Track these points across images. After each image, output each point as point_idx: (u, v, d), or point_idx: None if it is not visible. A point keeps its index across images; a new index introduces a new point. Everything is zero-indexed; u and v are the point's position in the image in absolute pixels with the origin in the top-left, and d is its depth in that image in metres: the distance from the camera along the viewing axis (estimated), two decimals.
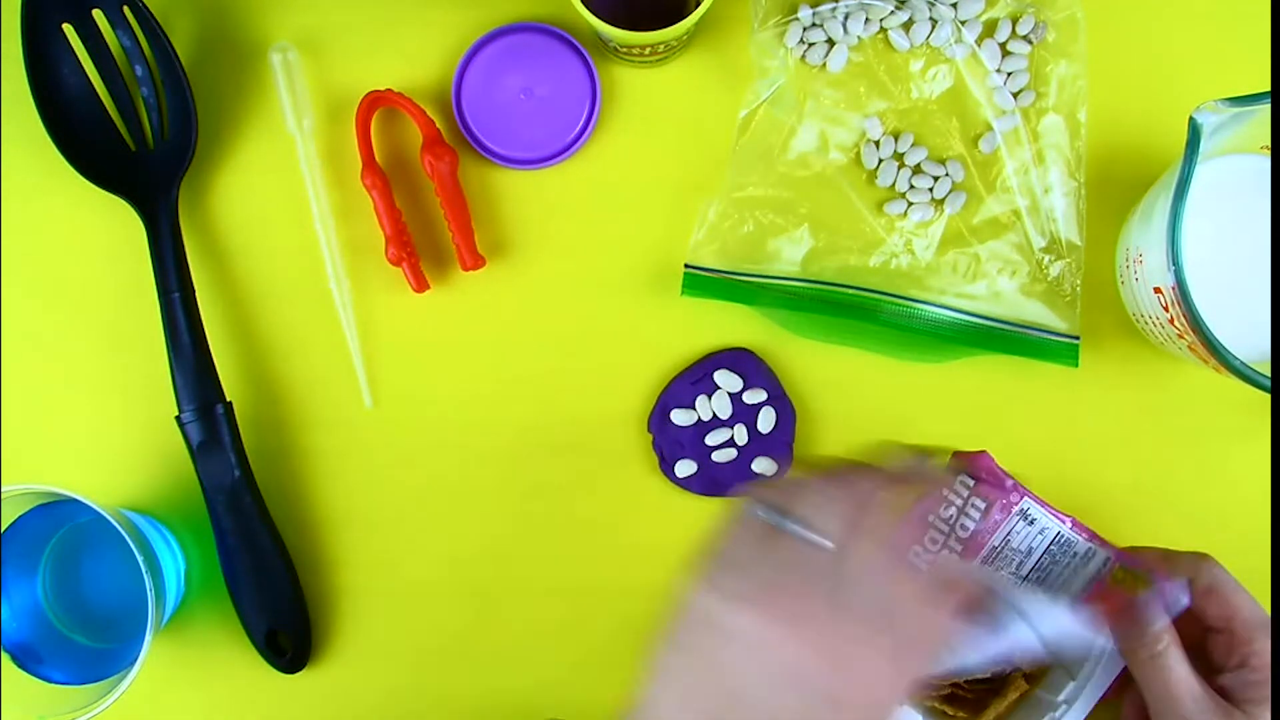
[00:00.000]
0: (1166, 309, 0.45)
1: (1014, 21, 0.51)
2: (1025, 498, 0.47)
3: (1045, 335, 0.51)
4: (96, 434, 0.52)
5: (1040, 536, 0.47)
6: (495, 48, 0.51)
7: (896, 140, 0.52)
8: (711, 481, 0.51)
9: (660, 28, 0.46)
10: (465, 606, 0.52)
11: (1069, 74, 0.51)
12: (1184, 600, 0.42)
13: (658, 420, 0.51)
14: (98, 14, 0.50)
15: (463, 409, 0.52)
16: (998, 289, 0.51)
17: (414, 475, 0.52)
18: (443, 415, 0.52)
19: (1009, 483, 0.47)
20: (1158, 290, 0.45)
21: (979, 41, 0.51)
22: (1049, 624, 0.41)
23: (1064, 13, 0.51)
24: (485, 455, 0.52)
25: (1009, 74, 0.52)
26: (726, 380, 0.51)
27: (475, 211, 0.52)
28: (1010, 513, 0.47)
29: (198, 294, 0.51)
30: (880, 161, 0.52)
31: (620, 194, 0.52)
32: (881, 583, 0.35)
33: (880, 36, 0.52)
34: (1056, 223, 0.51)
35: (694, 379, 0.51)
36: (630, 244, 0.52)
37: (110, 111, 0.51)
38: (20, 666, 0.49)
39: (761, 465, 0.51)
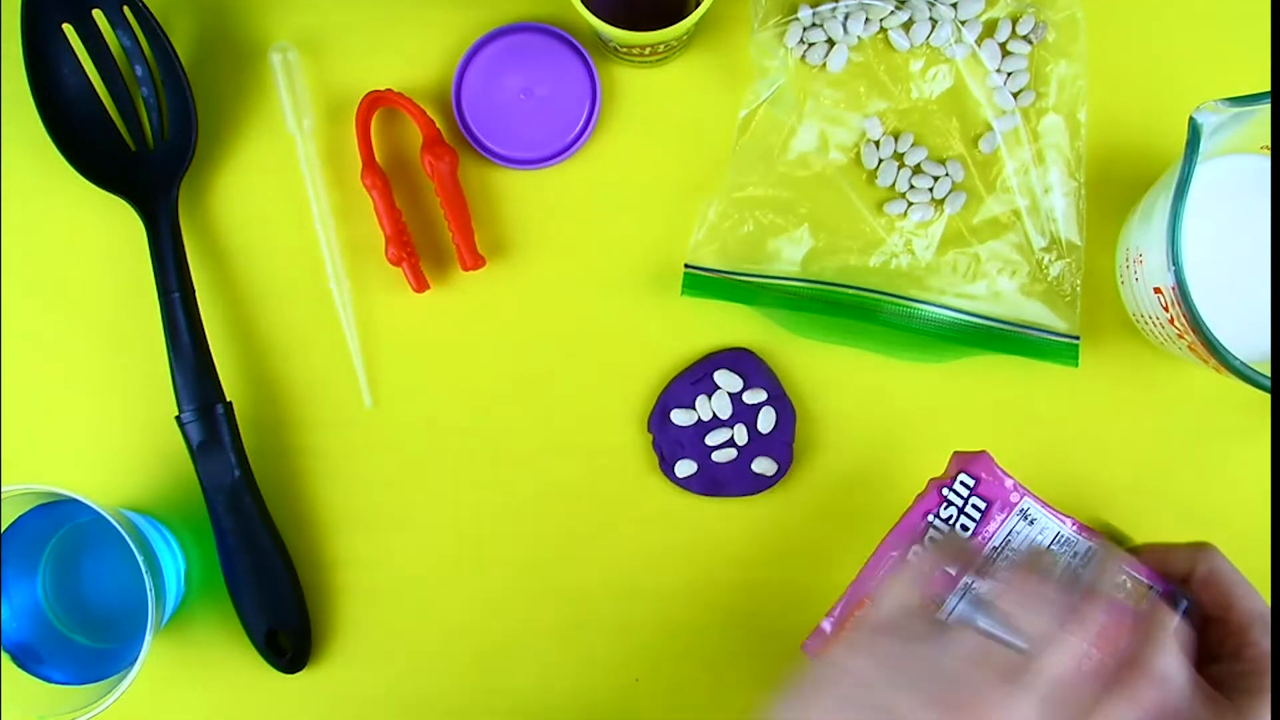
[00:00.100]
0: (1166, 309, 0.45)
1: (1014, 21, 0.51)
2: (1025, 497, 0.47)
3: (1045, 335, 0.51)
4: (96, 434, 0.52)
5: (1041, 537, 0.47)
6: (495, 48, 0.51)
7: (896, 140, 0.52)
8: (711, 481, 0.51)
9: (660, 28, 0.46)
10: (465, 606, 0.52)
11: (1069, 74, 0.51)
12: (1177, 618, 0.42)
13: (658, 420, 0.51)
14: (98, 14, 0.50)
15: (463, 409, 0.52)
16: (998, 289, 0.51)
17: (414, 475, 0.52)
18: (443, 415, 0.52)
19: (1009, 483, 0.47)
20: (1158, 290, 0.45)
21: (979, 41, 0.51)
22: None
23: (1064, 13, 0.51)
24: (485, 455, 0.52)
25: (1009, 74, 0.52)
26: (726, 380, 0.51)
27: (475, 211, 0.52)
28: (1010, 513, 0.47)
29: (198, 294, 0.51)
30: (880, 161, 0.52)
31: (620, 194, 0.52)
32: (1069, 699, 0.34)
33: (880, 36, 0.52)
34: (1056, 223, 0.51)
35: (694, 379, 0.51)
36: (630, 244, 0.52)
37: (110, 111, 0.51)
38: (20, 666, 0.49)
39: (761, 465, 0.51)
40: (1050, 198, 0.51)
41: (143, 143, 0.51)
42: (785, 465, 0.51)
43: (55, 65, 0.50)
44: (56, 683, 0.49)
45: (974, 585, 0.47)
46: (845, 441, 0.52)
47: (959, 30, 0.51)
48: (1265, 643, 0.38)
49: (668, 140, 0.52)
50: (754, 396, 0.51)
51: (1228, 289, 0.47)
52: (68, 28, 0.50)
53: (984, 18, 0.51)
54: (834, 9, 0.51)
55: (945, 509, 0.47)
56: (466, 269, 0.51)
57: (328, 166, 0.52)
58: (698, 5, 0.47)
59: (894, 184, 0.52)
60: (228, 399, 0.50)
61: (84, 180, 0.50)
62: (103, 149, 0.51)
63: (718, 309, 0.51)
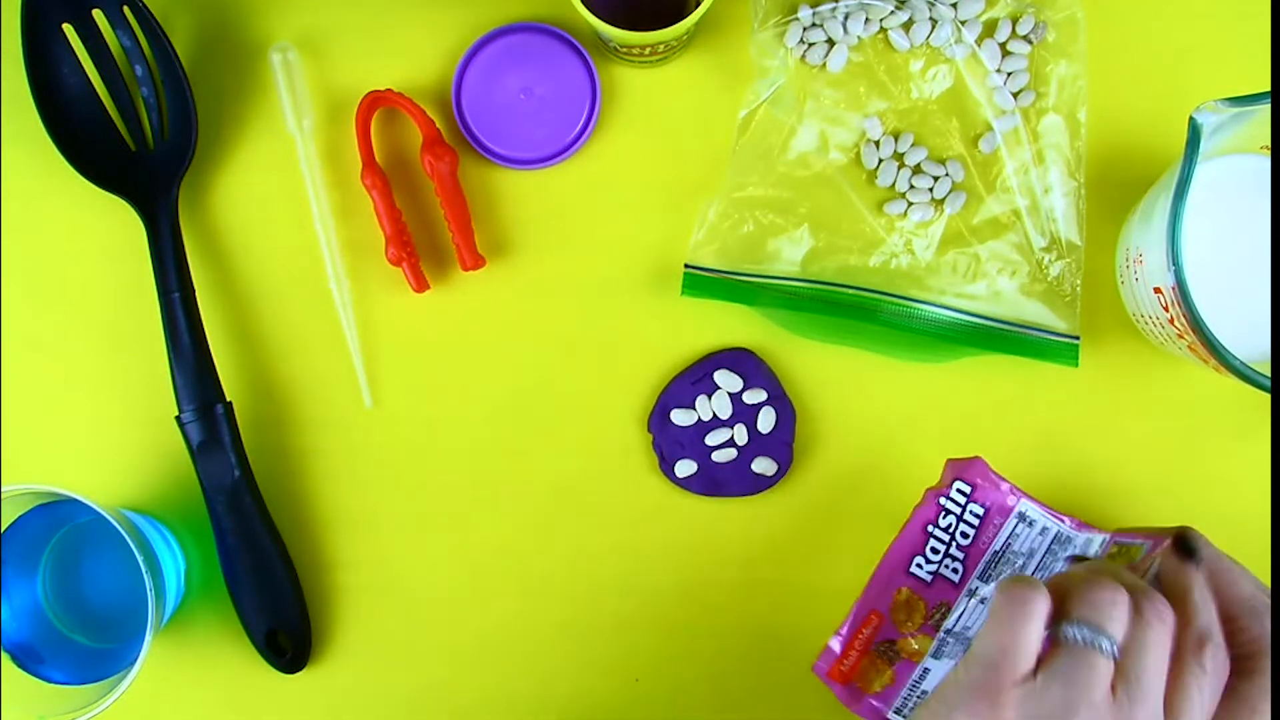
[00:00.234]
0: (1166, 309, 0.45)
1: (1014, 21, 0.51)
2: (1022, 500, 0.47)
3: (1045, 335, 0.51)
4: (96, 434, 0.52)
5: (1041, 537, 0.47)
6: (495, 48, 0.51)
7: (896, 140, 0.52)
8: (711, 481, 0.51)
9: (660, 28, 0.46)
10: (465, 606, 0.52)
11: (1069, 74, 0.51)
12: (1196, 572, 0.41)
13: (658, 420, 0.51)
14: (98, 14, 0.50)
15: (462, 409, 0.52)
16: (998, 289, 0.51)
17: (414, 475, 0.52)
18: (443, 415, 0.52)
19: (1005, 486, 0.47)
20: (1158, 290, 0.45)
21: (979, 41, 0.51)
22: None
23: (1064, 13, 0.51)
24: (485, 455, 0.52)
25: (1009, 74, 0.52)
26: (726, 380, 0.51)
27: (475, 211, 0.52)
28: (1009, 516, 0.47)
29: (198, 294, 0.51)
30: (880, 161, 0.52)
31: (620, 194, 0.52)
32: (1162, 689, 0.35)
33: (880, 36, 0.52)
34: (1056, 223, 0.51)
35: (694, 379, 0.51)
36: (630, 244, 0.52)
37: (110, 111, 0.51)
38: (20, 666, 0.49)
39: (761, 465, 0.51)
40: (1050, 198, 0.51)
41: (143, 143, 0.51)
42: (785, 465, 0.51)
43: (55, 65, 0.50)
44: (56, 683, 0.49)
45: (977, 589, 0.47)
46: (845, 441, 0.52)
47: (959, 30, 0.51)
48: (1255, 627, 0.38)
49: (668, 140, 0.52)
50: (754, 396, 0.51)
51: (1228, 289, 0.47)
52: (68, 28, 0.50)
53: (984, 18, 0.51)
54: (834, 9, 0.51)
55: (944, 518, 0.47)
56: (466, 269, 0.51)
57: (328, 166, 0.52)
58: (698, 5, 0.47)
59: (894, 184, 0.52)
60: (228, 399, 0.50)
61: (84, 180, 0.50)
62: (103, 149, 0.51)
63: (718, 309, 0.51)
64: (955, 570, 0.47)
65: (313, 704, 0.52)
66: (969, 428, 0.52)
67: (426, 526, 0.52)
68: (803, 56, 0.52)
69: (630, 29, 0.46)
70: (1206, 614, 0.37)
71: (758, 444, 0.51)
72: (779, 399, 0.51)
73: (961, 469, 0.47)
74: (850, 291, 0.50)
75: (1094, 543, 0.47)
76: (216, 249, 0.52)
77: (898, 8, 0.51)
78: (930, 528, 0.47)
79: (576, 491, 0.52)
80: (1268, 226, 0.48)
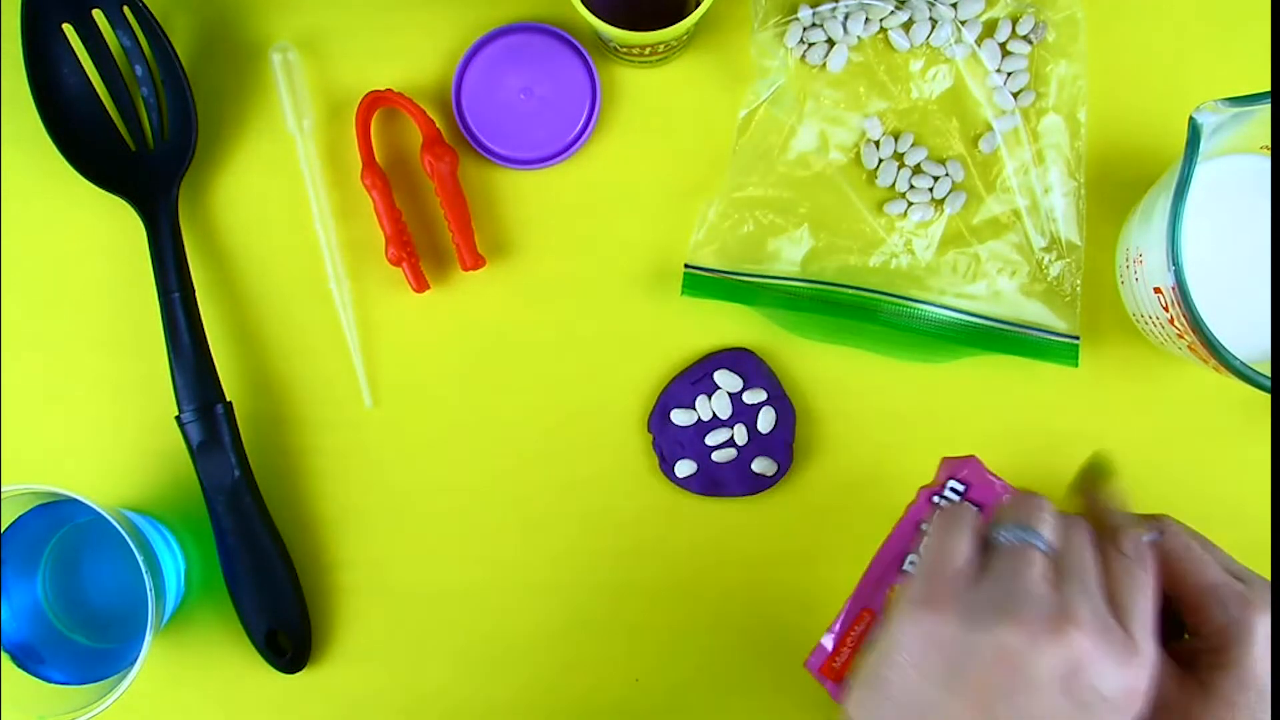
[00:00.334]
0: (1166, 309, 0.45)
1: (1014, 21, 0.51)
2: None
3: (1045, 335, 0.51)
4: (96, 434, 0.52)
5: None
6: (495, 48, 0.51)
7: (896, 140, 0.52)
8: (711, 481, 0.51)
9: (660, 28, 0.46)
10: (465, 606, 0.52)
11: (1069, 74, 0.51)
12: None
13: (658, 420, 0.51)
14: (98, 14, 0.50)
15: (463, 409, 0.52)
16: (998, 289, 0.51)
17: (414, 475, 0.52)
18: (443, 415, 0.52)
19: (998, 485, 0.47)
20: (1158, 290, 0.45)
21: (979, 41, 0.51)
22: None
23: (1064, 13, 0.51)
24: (485, 455, 0.52)
25: (1009, 74, 0.52)
26: (726, 380, 0.51)
27: (475, 211, 0.52)
28: None
29: (198, 294, 0.51)
30: (880, 161, 0.52)
31: (620, 194, 0.52)
32: (1103, 573, 0.36)
33: (880, 36, 0.52)
34: (1056, 223, 0.51)
35: (694, 379, 0.51)
36: (630, 244, 0.52)
37: (110, 111, 0.51)
38: (20, 666, 0.49)
39: (761, 465, 0.51)
40: (1050, 198, 0.51)
41: (143, 143, 0.51)
42: (785, 465, 0.51)
43: (55, 65, 0.50)
44: (56, 683, 0.49)
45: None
46: (845, 441, 0.52)
47: (959, 30, 0.51)
48: (1221, 617, 0.38)
49: (668, 140, 0.52)
50: (754, 396, 0.51)
51: (1228, 289, 0.47)
52: (68, 28, 0.50)
53: (984, 18, 0.51)
54: (834, 9, 0.51)
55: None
56: (466, 269, 0.51)
57: (328, 166, 0.52)
58: (698, 5, 0.47)
59: (894, 184, 0.52)
60: (228, 399, 0.50)
61: (84, 180, 0.50)
62: (103, 149, 0.51)
63: (718, 309, 0.51)
64: None
65: (313, 704, 0.52)
66: (969, 428, 0.52)
67: (426, 526, 0.52)
68: (803, 56, 0.52)
69: (630, 29, 0.46)
70: (1114, 516, 0.39)
71: (757, 444, 0.51)
72: (779, 399, 0.51)
73: (956, 468, 0.47)
74: (850, 291, 0.50)
75: None
76: (216, 249, 0.52)
77: (898, 8, 0.51)
78: (924, 525, 0.47)
79: (576, 491, 0.52)
80: (1268, 226, 0.48)
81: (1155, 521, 0.41)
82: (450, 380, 0.52)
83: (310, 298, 0.52)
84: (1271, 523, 0.51)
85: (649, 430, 0.52)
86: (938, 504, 0.47)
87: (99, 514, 0.45)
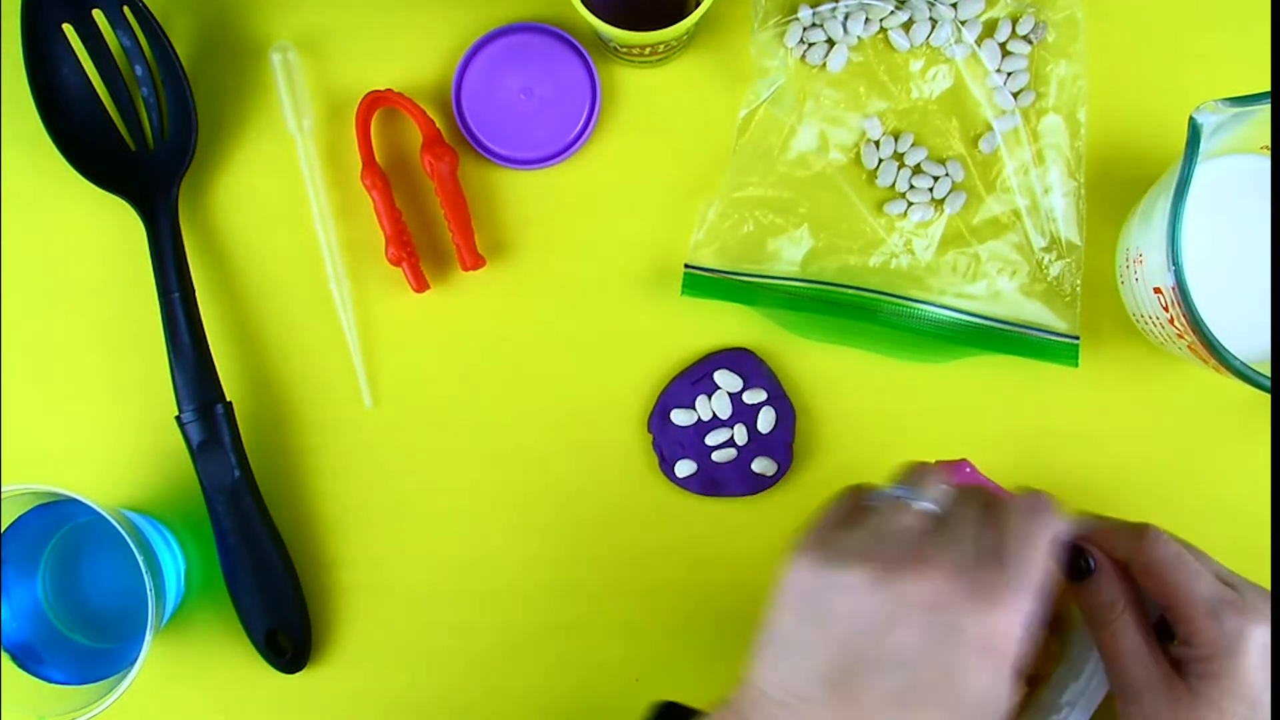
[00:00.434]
0: (1166, 309, 0.45)
1: (1014, 21, 0.51)
2: None
3: (1045, 335, 0.51)
4: (96, 434, 0.52)
5: None
6: (495, 48, 0.51)
7: (896, 140, 0.52)
8: (711, 481, 0.51)
9: (660, 28, 0.46)
10: (465, 606, 0.52)
11: (1069, 74, 0.51)
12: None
13: (658, 420, 0.51)
14: (98, 14, 0.50)
15: (463, 409, 0.52)
16: (998, 289, 0.51)
17: (414, 475, 0.52)
18: (443, 415, 0.52)
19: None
20: (1158, 290, 0.45)
21: (979, 41, 0.51)
22: None
23: (1064, 13, 0.51)
24: (485, 455, 0.52)
25: (1009, 74, 0.52)
26: (726, 380, 0.51)
27: (475, 211, 0.52)
28: None
29: (198, 294, 0.51)
30: (880, 161, 0.52)
31: (620, 194, 0.52)
32: (987, 530, 0.36)
33: (880, 36, 0.52)
34: (1056, 223, 0.51)
35: (694, 379, 0.51)
36: (630, 244, 0.52)
37: (110, 111, 0.51)
38: (20, 666, 0.49)
39: (761, 465, 0.51)
40: (1050, 198, 0.51)
41: (143, 143, 0.51)
42: (785, 465, 0.51)
43: (55, 65, 0.50)
44: (56, 683, 0.49)
45: None
46: (845, 441, 0.52)
47: (959, 30, 0.51)
48: (1212, 628, 0.38)
49: (668, 140, 0.52)
50: (754, 396, 0.51)
51: (1228, 289, 0.47)
52: (68, 28, 0.50)
53: (984, 18, 0.51)
54: (834, 9, 0.51)
55: None
56: (466, 269, 0.51)
57: (328, 166, 0.52)
58: (698, 5, 0.47)
59: (894, 184, 0.52)
60: (228, 399, 0.50)
61: (84, 180, 0.50)
62: (103, 149, 0.51)
63: (717, 309, 0.51)
64: None
65: (313, 704, 0.52)
66: (969, 428, 0.52)
67: (426, 526, 0.52)
68: (803, 56, 0.52)
69: (630, 29, 0.46)
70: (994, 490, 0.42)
71: (757, 444, 0.51)
72: (779, 399, 0.51)
73: (949, 471, 0.47)
74: (850, 291, 0.51)
75: None
76: (216, 249, 0.52)
77: (898, 8, 0.51)
78: None
79: (576, 491, 0.52)
80: (1268, 226, 0.48)
81: (1142, 530, 0.41)
82: (450, 380, 0.52)
83: (310, 298, 0.52)
84: (1271, 523, 0.51)
85: (649, 430, 0.52)
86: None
87: (99, 514, 0.45)
